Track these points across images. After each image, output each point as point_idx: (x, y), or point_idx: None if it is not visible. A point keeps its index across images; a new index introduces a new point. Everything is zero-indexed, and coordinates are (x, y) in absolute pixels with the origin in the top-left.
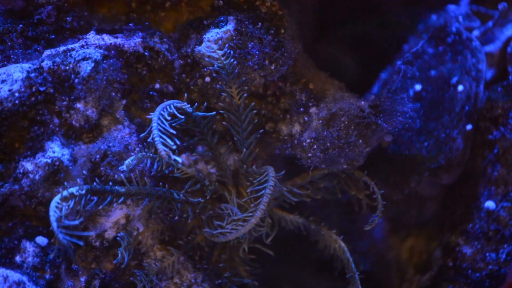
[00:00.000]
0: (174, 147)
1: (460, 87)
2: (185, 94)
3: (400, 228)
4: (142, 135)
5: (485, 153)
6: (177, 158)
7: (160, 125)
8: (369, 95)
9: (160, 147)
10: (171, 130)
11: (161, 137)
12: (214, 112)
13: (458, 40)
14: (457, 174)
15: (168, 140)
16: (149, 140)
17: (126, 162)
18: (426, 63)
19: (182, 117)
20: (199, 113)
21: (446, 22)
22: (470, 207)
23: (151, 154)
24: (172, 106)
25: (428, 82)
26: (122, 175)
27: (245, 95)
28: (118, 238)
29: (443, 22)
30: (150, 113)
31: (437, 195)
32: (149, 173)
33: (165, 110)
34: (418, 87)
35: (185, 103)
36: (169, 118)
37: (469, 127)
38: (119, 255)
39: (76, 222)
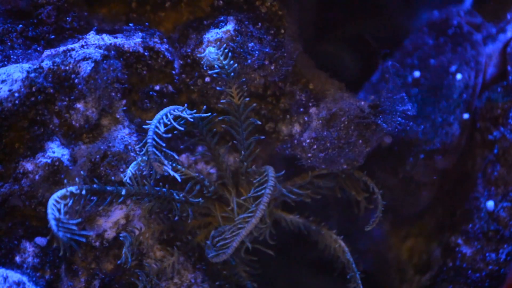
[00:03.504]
0: (169, 167)
1: (459, 76)
2: (185, 105)
3: (399, 224)
4: (137, 147)
5: (485, 153)
6: (170, 171)
7: (155, 140)
8: (368, 96)
9: (155, 166)
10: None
11: (155, 153)
12: (211, 114)
13: (458, 33)
14: (452, 160)
15: (164, 159)
16: (144, 157)
17: (128, 172)
18: (426, 53)
19: (182, 128)
20: (196, 115)
21: (447, 15)
22: (470, 207)
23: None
24: (169, 115)
25: (427, 70)
26: (122, 175)
27: (247, 99)
28: (121, 238)
29: (444, 16)
30: (147, 121)
31: (432, 182)
32: (149, 176)
33: (161, 122)
34: (417, 73)
35: (185, 108)
36: (164, 129)
37: (466, 115)
38: (123, 255)
39: (74, 221)
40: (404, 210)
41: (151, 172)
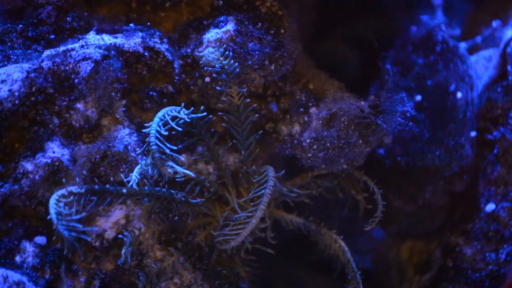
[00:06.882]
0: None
1: (459, 94)
2: (182, 104)
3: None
4: (139, 151)
5: (485, 153)
6: (181, 171)
7: (158, 145)
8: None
9: (164, 170)
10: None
11: (162, 159)
12: (208, 114)
13: (446, 48)
14: (468, 181)
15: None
16: (150, 160)
17: (134, 178)
18: (419, 74)
19: (180, 129)
20: (193, 115)
21: (430, 31)
22: (470, 207)
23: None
24: (167, 116)
25: (426, 92)
26: (122, 175)
27: (247, 100)
28: (123, 237)
29: (425, 32)
30: (145, 125)
31: (447, 204)
32: (150, 178)
33: (161, 125)
34: (418, 97)
35: (182, 108)
36: (166, 133)
37: (473, 133)
38: (123, 256)
39: (76, 217)
40: (418, 232)
41: (151, 174)
